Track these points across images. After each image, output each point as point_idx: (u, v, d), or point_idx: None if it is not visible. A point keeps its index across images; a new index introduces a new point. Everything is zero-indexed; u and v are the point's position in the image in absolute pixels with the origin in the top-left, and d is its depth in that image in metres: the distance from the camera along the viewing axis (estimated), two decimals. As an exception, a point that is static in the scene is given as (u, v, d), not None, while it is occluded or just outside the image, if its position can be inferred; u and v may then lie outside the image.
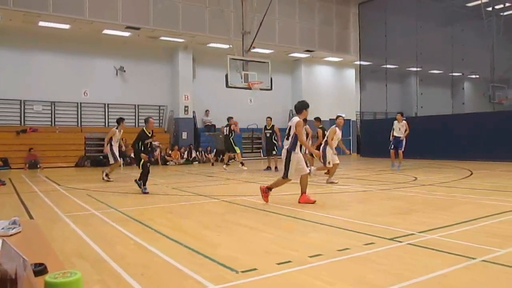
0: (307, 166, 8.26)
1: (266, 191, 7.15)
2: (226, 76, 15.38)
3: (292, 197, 7.38)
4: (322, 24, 23.22)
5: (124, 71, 20.18)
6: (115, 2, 17.17)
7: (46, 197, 8.29)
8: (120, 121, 11.82)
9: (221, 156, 19.21)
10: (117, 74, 20.13)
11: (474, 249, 3.99)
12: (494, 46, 18.61)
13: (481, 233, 4.74)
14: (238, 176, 12.77)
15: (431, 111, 19.67)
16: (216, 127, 21.94)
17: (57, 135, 18.25)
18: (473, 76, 23.50)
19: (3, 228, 2.22)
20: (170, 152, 19.38)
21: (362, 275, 3.34)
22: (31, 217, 6.11)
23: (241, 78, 15.73)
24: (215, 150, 20.12)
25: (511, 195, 7.98)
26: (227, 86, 15.61)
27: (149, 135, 8.88)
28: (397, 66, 23.82)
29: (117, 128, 11.75)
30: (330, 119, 19.93)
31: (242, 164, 14.65)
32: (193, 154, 20.02)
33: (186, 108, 21.08)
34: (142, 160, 8.70)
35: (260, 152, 22.13)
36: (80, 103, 19.38)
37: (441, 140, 18.34)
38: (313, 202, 6.94)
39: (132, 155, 10.81)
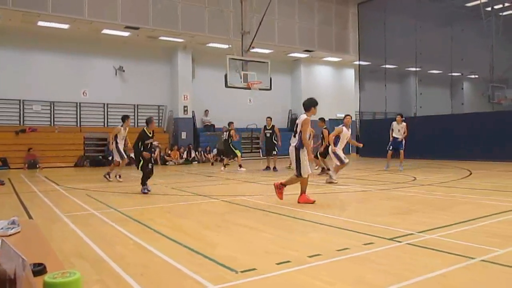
0: (316, 168, 8.18)
1: (280, 187, 7.04)
2: (226, 76, 15.38)
3: (291, 197, 7.38)
4: (321, 24, 23.23)
5: (123, 71, 20.17)
6: (115, 2, 17.17)
7: (45, 197, 8.28)
8: (125, 118, 11.70)
9: (221, 156, 19.21)
10: (116, 74, 20.12)
11: (473, 249, 3.99)
12: (493, 46, 18.62)
13: (480, 233, 4.74)
14: (237, 176, 12.77)
15: (430, 111, 19.69)
16: (216, 127, 21.97)
17: (56, 135, 18.24)
18: (472, 76, 23.52)
19: (2, 228, 2.22)
20: (169, 152, 19.38)
21: (361, 275, 3.34)
22: (30, 217, 6.11)
23: (241, 78, 15.73)
24: (215, 150, 20.10)
25: (510, 195, 7.99)
26: (226, 86, 15.61)
27: (150, 135, 8.87)
28: (396, 66, 23.84)
29: (122, 126, 11.63)
30: (329, 119, 19.94)
31: (240, 166, 14.65)
32: (193, 154, 20.03)
33: (185, 108, 21.09)
34: (141, 162, 8.68)
35: (259, 152, 22.12)
36: (79, 103, 19.37)
37: (440, 140, 18.36)
38: (313, 202, 6.93)
39: (132, 155, 10.80)
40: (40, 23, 16.71)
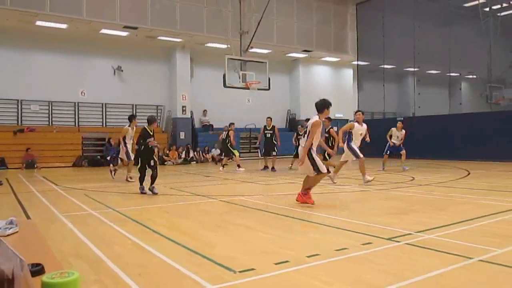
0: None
1: (305, 194, 6.83)
2: (224, 76, 15.37)
3: (291, 197, 7.38)
4: (319, 24, 23.25)
5: (122, 70, 20.15)
6: (113, 2, 17.15)
7: (43, 197, 8.27)
8: (132, 118, 11.60)
9: (223, 155, 19.19)
10: (114, 73, 20.10)
11: (471, 249, 4.00)
12: (491, 47, 18.67)
13: (478, 233, 4.75)
14: (236, 176, 12.77)
15: (428, 111, 19.71)
16: (214, 127, 21.96)
17: (54, 135, 18.20)
18: (471, 76, 23.56)
19: (0, 228, 2.21)
20: (167, 152, 19.37)
21: (359, 275, 3.34)
22: (28, 217, 6.09)
23: (239, 78, 15.73)
24: (218, 150, 19.95)
25: (508, 195, 8.00)
26: (224, 86, 15.59)
27: (151, 133, 8.83)
28: (394, 66, 23.87)
29: (129, 126, 11.51)
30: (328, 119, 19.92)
31: (239, 166, 14.64)
32: (191, 154, 20.02)
33: (183, 108, 21.07)
34: (140, 164, 8.66)
35: (258, 152, 22.12)
36: (78, 102, 19.33)
37: (439, 140, 18.39)
38: (312, 203, 6.91)
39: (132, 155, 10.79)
40: (38, 23, 16.67)
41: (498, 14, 20.56)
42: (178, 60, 20.96)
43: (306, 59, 24.80)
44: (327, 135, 12.81)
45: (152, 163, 8.59)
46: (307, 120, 13.16)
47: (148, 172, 8.60)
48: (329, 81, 26.31)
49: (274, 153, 14.57)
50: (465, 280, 3.22)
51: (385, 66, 22.55)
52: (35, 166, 16.38)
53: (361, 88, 23.71)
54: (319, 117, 6.85)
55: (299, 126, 15.72)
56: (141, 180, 8.69)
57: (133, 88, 20.46)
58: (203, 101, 21.91)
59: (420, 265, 3.53)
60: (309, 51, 23.12)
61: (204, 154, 20.59)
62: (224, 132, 15.25)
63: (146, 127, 8.82)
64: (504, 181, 10.48)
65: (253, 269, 3.46)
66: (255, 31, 16.82)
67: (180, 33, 18.91)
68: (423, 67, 22.54)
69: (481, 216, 5.64)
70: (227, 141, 14.88)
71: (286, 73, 25.36)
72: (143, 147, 8.60)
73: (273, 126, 14.80)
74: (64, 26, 17.21)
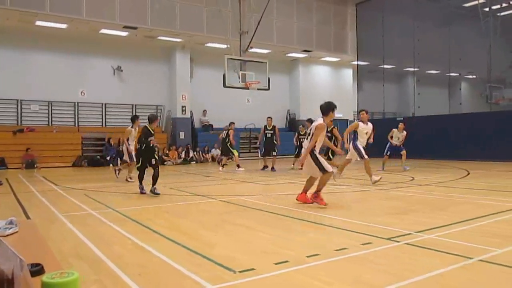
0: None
1: (316, 196, 6.75)
2: (224, 76, 15.37)
3: (291, 197, 7.38)
4: (319, 24, 23.25)
5: (122, 70, 20.14)
6: (113, 2, 17.15)
7: (43, 197, 8.27)
8: (134, 119, 11.50)
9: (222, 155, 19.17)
10: (114, 73, 20.09)
11: (471, 249, 4.00)
12: (491, 47, 18.66)
13: (478, 233, 4.75)
14: (235, 176, 12.77)
15: (428, 111, 19.72)
16: (214, 127, 21.96)
17: (54, 135, 18.20)
18: (470, 76, 23.57)
19: (0, 228, 2.21)
20: (167, 152, 19.37)
21: (359, 274, 3.34)
22: (28, 217, 6.09)
23: (239, 78, 15.74)
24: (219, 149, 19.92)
25: (508, 195, 8.00)
26: (224, 86, 15.60)
27: (152, 132, 8.81)
28: (394, 66, 23.87)
29: (132, 127, 11.43)
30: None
31: (238, 166, 14.64)
32: (191, 154, 20.01)
33: (183, 108, 21.07)
34: (140, 163, 8.64)
35: (257, 152, 22.11)
36: (77, 102, 19.33)
37: (438, 140, 18.39)
38: (311, 203, 6.91)
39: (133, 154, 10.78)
40: (38, 23, 16.67)
41: (498, 14, 20.55)
42: (178, 60, 20.95)
43: (306, 59, 24.80)
44: (329, 134, 12.80)
45: (153, 161, 8.53)
46: (309, 120, 13.33)
47: (149, 171, 8.58)
48: (329, 81, 26.31)
49: (274, 153, 14.57)
50: (465, 280, 3.22)
51: (385, 66, 22.54)
52: (35, 166, 16.37)
53: (361, 88, 23.71)
54: (323, 120, 6.81)
55: (300, 126, 15.71)
56: (141, 179, 8.67)
57: (133, 88, 20.46)
58: (203, 101, 21.91)
59: (420, 265, 3.53)
60: (309, 51, 23.12)
61: (204, 154, 20.59)
62: (224, 132, 15.25)
63: (147, 125, 8.79)
64: (504, 181, 10.48)
65: (253, 269, 3.46)
66: (255, 31, 16.83)
67: (180, 33, 18.90)
68: (423, 67, 22.54)
69: (481, 216, 5.64)
70: (226, 140, 14.88)
71: (286, 73, 25.36)
72: (144, 145, 8.56)
73: (274, 126, 14.79)
74: (64, 26, 17.20)
